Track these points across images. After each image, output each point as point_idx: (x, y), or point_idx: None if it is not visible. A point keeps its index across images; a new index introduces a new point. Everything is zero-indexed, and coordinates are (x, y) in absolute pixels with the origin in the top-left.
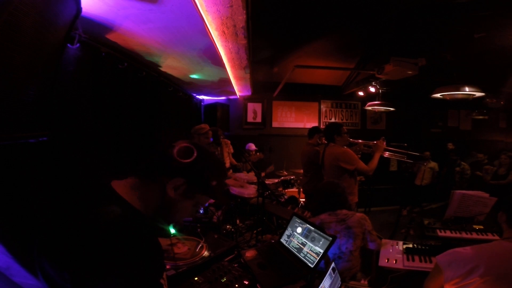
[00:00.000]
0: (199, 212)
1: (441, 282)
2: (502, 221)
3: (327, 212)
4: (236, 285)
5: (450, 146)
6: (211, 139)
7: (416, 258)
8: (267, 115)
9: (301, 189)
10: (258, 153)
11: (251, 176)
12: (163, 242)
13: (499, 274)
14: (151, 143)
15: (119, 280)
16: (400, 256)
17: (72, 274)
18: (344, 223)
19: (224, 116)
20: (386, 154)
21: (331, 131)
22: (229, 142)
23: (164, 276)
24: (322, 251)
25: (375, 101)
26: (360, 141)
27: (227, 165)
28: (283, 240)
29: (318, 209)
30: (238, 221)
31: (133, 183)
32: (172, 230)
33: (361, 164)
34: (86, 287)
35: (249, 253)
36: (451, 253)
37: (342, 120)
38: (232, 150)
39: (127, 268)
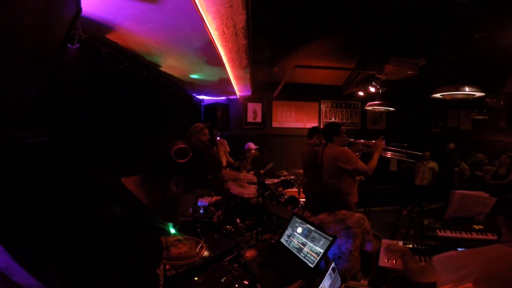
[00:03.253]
0: (199, 212)
1: (434, 279)
2: (501, 224)
3: (326, 212)
4: (236, 285)
5: (452, 146)
6: (209, 140)
7: (416, 258)
8: (267, 115)
9: (301, 189)
10: (253, 151)
11: (251, 175)
12: (165, 241)
13: (493, 280)
14: (152, 143)
15: (119, 274)
16: None
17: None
18: (343, 223)
19: (224, 116)
20: (389, 154)
21: (329, 131)
22: (225, 141)
23: (161, 267)
24: (322, 251)
25: (375, 101)
26: (359, 141)
27: (224, 164)
28: (283, 240)
29: (318, 209)
30: (238, 220)
31: (139, 181)
32: (172, 230)
33: (360, 164)
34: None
35: (249, 253)
36: (447, 257)
37: (342, 120)
38: (228, 149)
39: (126, 262)
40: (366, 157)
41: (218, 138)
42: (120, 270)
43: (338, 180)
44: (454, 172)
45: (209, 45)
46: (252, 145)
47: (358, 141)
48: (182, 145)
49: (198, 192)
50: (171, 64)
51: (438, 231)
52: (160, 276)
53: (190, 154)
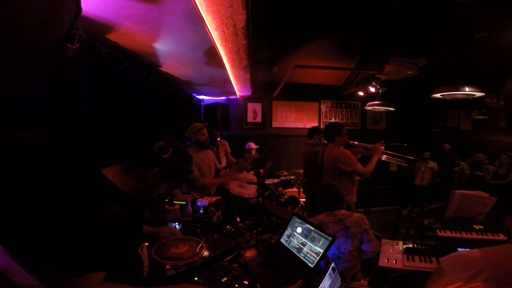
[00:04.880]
0: (199, 212)
1: (442, 285)
2: (511, 225)
3: (325, 213)
4: (236, 285)
5: (447, 146)
6: (208, 140)
7: (416, 258)
8: (267, 115)
9: (301, 189)
10: (253, 152)
11: (251, 176)
12: (164, 241)
13: (503, 280)
14: (137, 139)
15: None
16: (400, 256)
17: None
18: (342, 224)
19: (224, 116)
20: (384, 157)
21: (332, 131)
22: (225, 142)
23: (145, 249)
24: (322, 251)
25: (375, 101)
26: (358, 143)
27: (223, 164)
28: (283, 240)
29: (317, 210)
30: (238, 219)
31: (119, 170)
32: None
33: (359, 166)
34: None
35: (249, 253)
36: (456, 256)
37: (342, 120)
38: (229, 150)
39: (109, 243)
40: (366, 159)
41: (219, 139)
42: (108, 255)
43: (337, 180)
44: (454, 172)
45: (209, 45)
46: (252, 145)
47: (357, 143)
48: (163, 142)
49: (170, 182)
50: (171, 64)
51: (438, 231)
52: (143, 257)
53: (171, 150)
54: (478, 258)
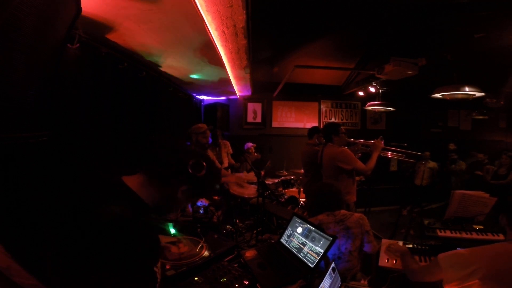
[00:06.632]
0: (199, 212)
1: (439, 277)
2: (504, 224)
3: (325, 213)
4: (236, 285)
5: (452, 146)
6: (210, 140)
7: (416, 258)
8: (267, 115)
9: (301, 189)
10: (255, 153)
11: (251, 176)
12: (164, 241)
13: (499, 277)
14: (167, 148)
15: (117, 272)
16: None
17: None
18: (342, 224)
19: (224, 116)
20: (390, 154)
21: (329, 131)
22: (228, 143)
23: (159, 264)
24: (322, 251)
25: (375, 101)
26: (358, 141)
27: (225, 165)
28: (283, 240)
29: (316, 211)
30: (237, 221)
31: (142, 180)
32: (172, 230)
33: (359, 164)
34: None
35: (249, 253)
36: (454, 254)
37: (342, 120)
38: (231, 151)
39: (124, 260)
40: (367, 157)
41: (220, 139)
42: (118, 268)
43: (337, 179)
44: (452, 171)
45: (209, 45)
46: (249, 144)
47: (357, 141)
48: (198, 160)
49: (196, 199)
50: (171, 64)
51: (438, 231)
52: (158, 273)
53: (205, 169)
54: (475, 257)
